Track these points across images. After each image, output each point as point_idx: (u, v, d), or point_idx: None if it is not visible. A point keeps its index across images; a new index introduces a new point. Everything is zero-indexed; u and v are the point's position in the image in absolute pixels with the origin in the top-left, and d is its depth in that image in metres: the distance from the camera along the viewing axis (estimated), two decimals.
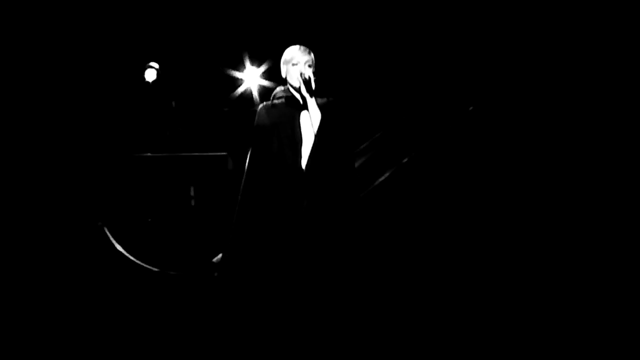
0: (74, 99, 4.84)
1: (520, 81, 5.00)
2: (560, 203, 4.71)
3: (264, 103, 3.36)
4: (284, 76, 3.32)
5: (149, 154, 4.83)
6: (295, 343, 3.04)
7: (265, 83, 5.17)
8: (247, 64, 5.17)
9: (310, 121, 3.16)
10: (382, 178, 4.73)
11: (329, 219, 3.09)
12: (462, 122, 5.02)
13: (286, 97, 3.29)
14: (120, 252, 4.61)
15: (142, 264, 4.54)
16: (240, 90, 5.25)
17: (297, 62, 3.24)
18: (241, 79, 5.23)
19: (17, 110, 4.78)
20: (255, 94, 5.26)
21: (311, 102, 3.20)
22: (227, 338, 3.43)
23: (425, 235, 4.64)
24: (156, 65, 4.96)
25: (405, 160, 4.84)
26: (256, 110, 4.65)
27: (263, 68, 5.17)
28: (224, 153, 4.78)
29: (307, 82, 3.17)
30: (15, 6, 4.67)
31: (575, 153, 4.76)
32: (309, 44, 3.45)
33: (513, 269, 4.44)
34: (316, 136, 3.14)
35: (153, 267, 4.52)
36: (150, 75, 4.96)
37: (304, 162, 3.14)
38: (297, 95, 3.25)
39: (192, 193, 4.80)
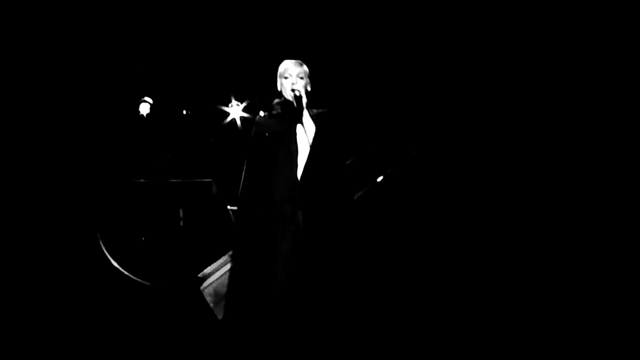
0: (79, 131, 4.90)
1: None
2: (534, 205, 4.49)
3: (261, 115, 3.28)
4: (279, 89, 3.26)
5: (142, 180, 4.89)
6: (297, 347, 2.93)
7: (247, 115, 5.19)
8: (232, 99, 5.19)
9: (305, 133, 3.09)
10: (370, 186, 4.56)
11: (325, 228, 3.00)
12: (453, 129, 4.81)
13: (282, 110, 3.21)
14: (116, 268, 4.62)
15: (135, 278, 4.59)
16: (225, 122, 5.26)
17: (288, 75, 3.18)
18: (227, 112, 5.24)
19: (22, 137, 4.78)
20: (239, 124, 5.27)
21: (305, 115, 3.12)
22: (217, 344, 3.47)
23: (417, 237, 4.49)
24: (150, 99, 4.96)
25: (393, 168, 4.65)
26: (241, 139, 4.76)
27: (245, 103, 5.19)
28: (209, 180, 4.82)
29: (297, 97, 3.10)
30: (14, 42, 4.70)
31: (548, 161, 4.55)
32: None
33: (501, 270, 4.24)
34: (311, 148, 3.05)
35: (145, 281, 4.57)
36: (145, 108, 4.94)
37: (299, 173, 3.06)
38: (292, 108, 3.16)
39: (181, 215, 4.81)
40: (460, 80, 4.83)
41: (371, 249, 4.01)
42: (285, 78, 3.19)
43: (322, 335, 2.93)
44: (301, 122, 3.11)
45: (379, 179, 4.57)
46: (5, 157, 4.73)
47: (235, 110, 5.22)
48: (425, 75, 4.91)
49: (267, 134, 3.16)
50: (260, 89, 4.83)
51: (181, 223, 4.82)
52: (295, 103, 3.11)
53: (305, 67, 3.22)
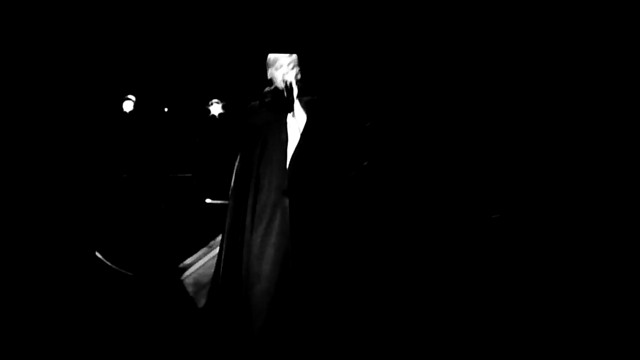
0: (64, 128, 4.82)
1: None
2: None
3: (252, 104, 3.25)
4: (269, 77, 3.22)
5: (125, 175, 5.00)
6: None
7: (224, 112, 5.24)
8: (214, 99, 5.23)
9: (295, 123, 3.07)
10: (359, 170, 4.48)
11: (313, 216, 2.99)
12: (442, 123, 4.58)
13: (273, 99, 3.17)
14: (99, 258, 4.66)
15: (118, 268, 4.62)
16: (206, 120, 5.27)
17: (280, 65, 3.14)
18: (207, 110, 5.27)
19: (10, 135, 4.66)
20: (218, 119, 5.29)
21: (296, 104, 3.09)
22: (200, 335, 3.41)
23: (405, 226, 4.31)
24: (133, 97, 5.06)
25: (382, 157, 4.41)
26: (221, 136, 4.71)
27: (225, 102, 5.23)
28: (190, 174, 4.98)
29: (288, 87, 3.07)
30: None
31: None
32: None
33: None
34: (301, 137, 3.04)
35: (127, 271, 4.62)
36: (128, 106, 5.05)
37: (289, 161, 3.04)
38: (283, 97, 3.11)
39: (162, 208, 4.94)
40: (448, 74, 4.67)
41: (359, 236, 3.89)
42: (277, 69, 3.15)
43: (310, 324, 2.92)
44: (292, 111, 3.10)
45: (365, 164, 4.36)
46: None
47: (215, 108, 5.27)
48: (412, 64, 4.71)
49: (257, 124, 3.14)
50: (240, 87, 4.85)
51: (163, 216, 4.93)
52: (286, 92, 3.09)
53: (295, 56, 3.17)
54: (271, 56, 3.20)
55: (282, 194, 2.99)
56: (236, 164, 3.17)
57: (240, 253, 3.04)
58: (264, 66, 3.31)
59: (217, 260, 3.18)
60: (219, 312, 3.07)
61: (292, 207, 2.96)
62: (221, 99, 5.27)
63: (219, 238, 3.75)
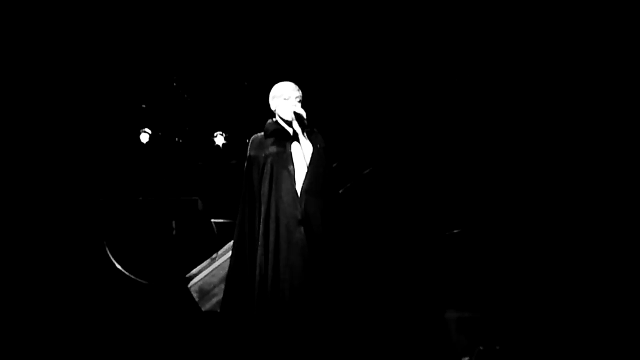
0: (93, 157, 5.19)
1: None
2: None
3: (256, 135, 3.20)
4: (273, 109, 3.20)
5: (141, 198, 5.28)
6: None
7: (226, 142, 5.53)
8: (218, 132, 5.53)
9: (301, 151, 3.06)
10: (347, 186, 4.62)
11: (325, 239, 2.98)
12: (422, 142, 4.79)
13: (277, 129, 3.16)
14: (119, 269, 5.01)
15: (134, 277, 4.97)
16: (210, 148, 5.55)
17: (288, 97, 3.12)
18: (213, 141, 5.56)
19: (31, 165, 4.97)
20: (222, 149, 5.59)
21: (301, 135, 3.10)
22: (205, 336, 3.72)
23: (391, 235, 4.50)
24: (149, 130, 5.38)
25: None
26: (224, 164, 5.05)
27: (227, 134, 5.54)
28: (196, 197, 5.23)
29: (300, 118, 3.06)
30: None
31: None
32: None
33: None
34: (309, 166, 3.03)
35: (143, 280, 4.99)
36: (144, 137, 5.37)
37: (298, 187, 3.03)
38: (287, 127, 3.15)
39: (173, 226, 5.16)
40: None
41: (367, 255, 4.16)
42: (285, 100, 3.13)
43: (324, 327, 2.93)
44: (298, 142, 3.10)
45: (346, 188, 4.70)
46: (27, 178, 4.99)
47: (219, 139, 5.61)
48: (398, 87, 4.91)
49: (263, 153, 3.13)
50: (240, 123, 5.39)
51: (173, 232, 5.20)
52: (296, 122, 3.08)
53: (300, 90, 3.18)
54: (278, 89, 3.19)
55: (297, 223, 3.00)
56: (243, 192, 3.16)
57: (252, 268, 3.05)
58: (261, 104, 3.37)
59: (229, 271, 3.20)
60: (233, 313, 3.11)
61: (306, 232, 2.99)
62: (224, 132, 5.64)
63: (221, 251, 4.26)
